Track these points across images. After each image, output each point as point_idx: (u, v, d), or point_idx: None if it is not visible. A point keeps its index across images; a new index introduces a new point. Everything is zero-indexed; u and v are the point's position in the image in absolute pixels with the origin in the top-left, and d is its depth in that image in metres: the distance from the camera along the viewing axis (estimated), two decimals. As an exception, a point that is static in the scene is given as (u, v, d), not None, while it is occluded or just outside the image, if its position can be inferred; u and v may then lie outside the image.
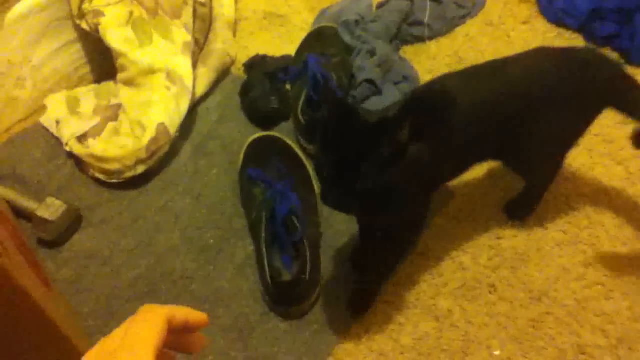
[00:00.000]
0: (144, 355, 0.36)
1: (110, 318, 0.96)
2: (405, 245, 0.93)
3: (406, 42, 1.31)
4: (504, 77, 0.83)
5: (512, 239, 1.00)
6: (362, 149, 0.68)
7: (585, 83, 0.85)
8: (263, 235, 0.96)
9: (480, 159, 0.92)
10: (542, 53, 0.88)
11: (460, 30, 1.33)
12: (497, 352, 0.90)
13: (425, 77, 1.24)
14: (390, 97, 1.16)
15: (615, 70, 0.89)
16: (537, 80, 0.83)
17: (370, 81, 1.15)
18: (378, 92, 1.16)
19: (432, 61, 1.28)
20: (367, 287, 0.95)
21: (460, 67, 1.23)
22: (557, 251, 0.98)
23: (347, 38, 1.26)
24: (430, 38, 1.31)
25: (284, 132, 1.16)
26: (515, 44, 1.29)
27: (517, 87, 0.82)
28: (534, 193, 1.02)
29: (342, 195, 0.71)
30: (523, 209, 1.03)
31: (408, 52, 1.30)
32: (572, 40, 1.27)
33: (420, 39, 1.31)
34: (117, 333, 0.38)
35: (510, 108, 0.82)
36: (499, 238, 1.01)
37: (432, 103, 0.81)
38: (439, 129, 0.79)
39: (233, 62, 1.32)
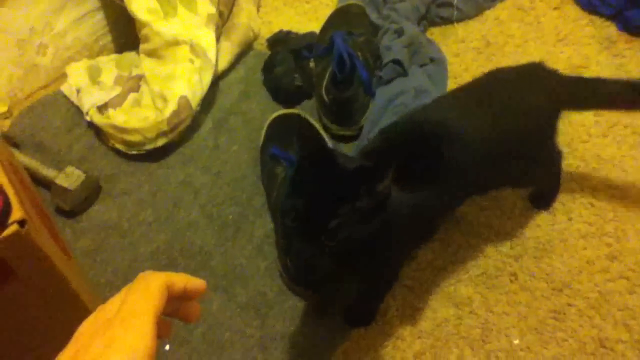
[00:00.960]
0: (141, 323, 0.35)
1: (127, 290, 0.96)
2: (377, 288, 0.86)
3: (434, 24, 1.29)
4: (497, 108, 0.79)
5: (535, 229, 0.99)
6: (337, 199, 0.59)
7: (552, 92, 0.84)
8: (283, 214, 0.95)
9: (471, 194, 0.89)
10: (510, 74, 0.86)
11: (490, 14, 1.29)
12: (516, 341, 0.89)
13: (452, 60, 1.21)
14: (416, 79, 1.14)
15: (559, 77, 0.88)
16: (525, 102, 0.80)
17: (397, 62, 1.13)
18: (404, 73, 1.14)
19: (459, 44, 1.25)
20: (365, 301, 0.91)
21: (488, 51, 1.22)
22: (581, 243, 0.97)
23: (374, 17, 1.23)
24: (459, 20, 1.28)
25: (306, 111, 1.14)
26: (545, 30, 1.25)
27: (512, 114, 0.79)
28: (551, 185, 1.00)
29: (308, 249, 0.61)
30: (547, 198, 1.01)
31: (435, 33, 1.27)
32: (604, 28, 1.23)
33: (448, 21, 1.28)
34: (115, 300, 0.38)
35: (510, 137, 0.79)
36: (522, 227, 0.99)
37: (426, 143, 0.73)
38: (433, 173, 0.72)
39: (256, 38, 1.30)
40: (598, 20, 1.25)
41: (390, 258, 0.76)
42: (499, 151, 0.77)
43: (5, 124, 1.17)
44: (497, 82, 0.84)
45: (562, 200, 1.01)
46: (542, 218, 1.00)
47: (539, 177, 0.95)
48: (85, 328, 0.37)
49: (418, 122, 0.76)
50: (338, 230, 0.60)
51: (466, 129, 0.75)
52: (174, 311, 0.41)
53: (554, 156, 0.95)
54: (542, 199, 1.01)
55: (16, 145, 1.11)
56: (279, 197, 0.98)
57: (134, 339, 0.34)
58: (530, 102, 0.81)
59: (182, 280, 0.40)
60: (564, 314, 0.90)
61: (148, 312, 0.36)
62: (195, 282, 0.41)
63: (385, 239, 0.66)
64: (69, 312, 0.73)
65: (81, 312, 0.74)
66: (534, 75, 0.85)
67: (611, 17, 1.24)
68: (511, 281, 0.94)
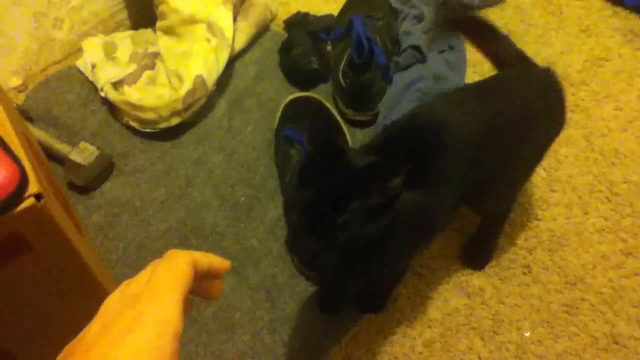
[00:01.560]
0: (169, 300, 0.35)
1: (138, 268, 0.94)
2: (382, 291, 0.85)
3: (454, 10, 1.26)
4: (502, 102, 0.76)
5: (550, 222, 0.98)
6: (346, 194, 0.58)
7: (557, 103, 0.83)
8: (297, 197, 0.94)
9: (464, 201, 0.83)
10: (518, 74, 0.84)
11: (511, 2, 1.27)
12: (527, 334, 0.88)
13: (471, 48, 1.20)
14: (435, 65, 1.13)
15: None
16: (529, 102, 0.78)
17: (415, 47, 1.11)
18: (422, 59, 1.13)
19: (479, 32, 1.23)
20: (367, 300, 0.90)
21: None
22: (596, 237, 0.96)
23: (393, 1, 1.21)
24: (480, 7, 1.25)
25: (322, 94, 1.13)
26: (567, 20, 1.23)
27: (516, 110, 0.76)
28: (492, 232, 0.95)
29: (313, 245, 0.59)
30: (482, 254, 0.96)
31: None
32: (629, 20, 1.21)
33: (469, 8, 1.26)
34: (142, 277, 0.37)
35: (512, 132, 0.76)
36: (537, 219, 0.98)
37: (425, 141, 0.70)
38: (435, 172, 0.69)
39: (273, 19, 1.28)
40: (623, 12, 1.23)
41: (391, 259, 0.73)
42: (499, 150, 0.75)
43: (20, 98, 1.16)
44: (503, 82, 0.82)
45: (579, 194, 1.00)
46: (558, 211, 0.99)
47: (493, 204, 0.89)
48: (113, 302, 0.36)
49: (419, 121, 0.73)
50: (347, 226, 0.58)
51: (467, 127, 0.72)
52: (197, 289, 0.41)
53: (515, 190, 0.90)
54: (477, 255, 0.95)
55: (30, 119, 1.11)
56: (292, 180, 0.97)
57: (162, 314, 0.34)
58: (531, 100, 0.78)
59: (207, 260, 0.40)
60: (577, 308, 0.90)
61: (176, 288, 0.36)
62: (219, 262, 0.42)
63: (388, 240, 0.65)
64: (81, 288, 0.73)
65: (93, 288, 0.75)
66: (544, 79, 0.83)
67: (636, 10, 1.22)
68: (524, 273, 0.93)
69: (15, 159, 0.58)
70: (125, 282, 0.38)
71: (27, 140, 0.81)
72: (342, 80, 1.09)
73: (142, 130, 1.10)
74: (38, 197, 0.57)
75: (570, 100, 1.10)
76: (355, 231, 0.59)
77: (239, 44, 1.20)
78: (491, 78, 0.84)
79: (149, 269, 0.38)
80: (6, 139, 0.61)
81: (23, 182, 0.57)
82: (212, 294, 0.43)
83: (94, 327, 0.35)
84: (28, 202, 0.57)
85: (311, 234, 0.59)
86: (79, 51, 1.20)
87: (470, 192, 0.76)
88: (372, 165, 0.59)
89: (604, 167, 1.02)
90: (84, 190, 1.04)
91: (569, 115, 1.07)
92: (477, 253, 0.95)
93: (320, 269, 0.65)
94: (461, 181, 0.72)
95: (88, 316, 0.36)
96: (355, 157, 0.62)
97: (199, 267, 0.39)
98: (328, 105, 1.09)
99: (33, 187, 0.57)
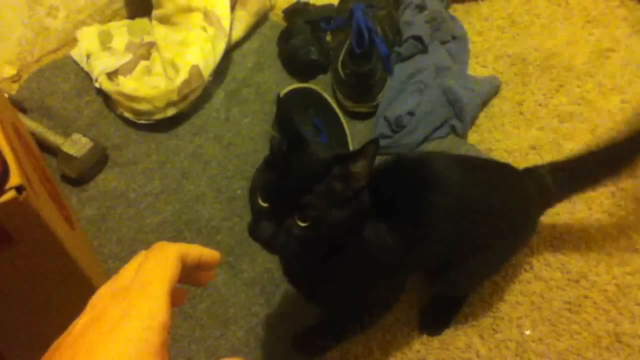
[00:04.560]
0: (157, 293, 0.35)
1: (131, 261, 0.94)
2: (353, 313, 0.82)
3: (457, 0, 1.24)
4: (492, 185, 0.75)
5: (553, 217, 0.95)
6: (311, 178, 0.57)
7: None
8: (294, 190, 0.92)
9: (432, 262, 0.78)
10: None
11: (517, -9, 1.24)
12: (528, 332, 0.86)
13: (474, 39, 1.17)
14: (436, 56, 1.10)
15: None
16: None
17: (417, 38, 1.08)
18: (424, 50, 1.10)
19: (483, 22, 1.20)
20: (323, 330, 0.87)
21: (513, 30, 1.17)
22: (600, 234, 0.93)
23: (395, -10, 1.18)
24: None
25: (321, 85, 1.10)
26: (573, 10, 1.20)
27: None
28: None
29: (272, 230, 0.58)
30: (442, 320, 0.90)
31: (458, 10, 1.22)
32: (637, 10, 1.18)
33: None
34: (129, 269, 0.37)
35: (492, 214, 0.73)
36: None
37: (419, 178, 0.70)
38: (415, 214, 0.68)
39: (272, 8, 1.26)
40: (630, 3, 1.19)
41: (355, 286, 0.71)
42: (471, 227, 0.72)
43: (14, 88, 1.14)
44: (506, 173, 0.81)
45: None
46: (562, 207, 0.95)
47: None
48: (101, 295, 0.36)
49: (416, 161, 0.73)
50: (310, 207, 0.57)
51: (457, 186, 0.71)
52: (186, 278, 0.41)
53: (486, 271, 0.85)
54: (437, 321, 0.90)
55: (24, 110, 1.09)
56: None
57: (150, 308, 0.34)
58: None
59: (197, 252, 0.40)
60: (579, 306, 0.88)
61: (163, 281, 0.35)
62: (209, 254, 0.41)
63: (359, 261, 0.65)
64: (69, 282, 0.72)
65: (81, 283, 0.73)
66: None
67: (644, -1, 1.19)
68: (526, 270, 0.91)
69: (-4, 151, 0.56)
70: (114, 276, 0.38)
71: (16, 131, 0.79)
72: (341, 71, 1.07)
73: (137, 121, 1.08)
74: (19, 189, 0.55)
75: (575, 92, 1.07)
76: (320, 213, 0.57)
77: (237, 34, 1.18)
78: (491, 163, 0.84)
79: (136, 260, 0.38)
80: (-12, 129, 0.59)
81: (4, 174, 0.55)
82: (202, 282, 0.43)
83: (82, 320, 0.34)
84: (9, 194, 0.55)
85: (272, 218, 0.58)
86: (74, 41, 1.18)
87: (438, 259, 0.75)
88: (337, 155, 0.59)
89: (609, 161, 0.99)
90: (77, 182, 1.02)
91: (574, 107, 1.06)
92: (435, 322, 0.89)
93: (282, 254, 0.66)
94: (434, 236, 0.70)
95: (76, 312, 0.36)
96: (319, 148, 0.61)
97: (189, 259, 0.39)
98: (327, 97, 1.06)
99: (14, 179, 0.56)
